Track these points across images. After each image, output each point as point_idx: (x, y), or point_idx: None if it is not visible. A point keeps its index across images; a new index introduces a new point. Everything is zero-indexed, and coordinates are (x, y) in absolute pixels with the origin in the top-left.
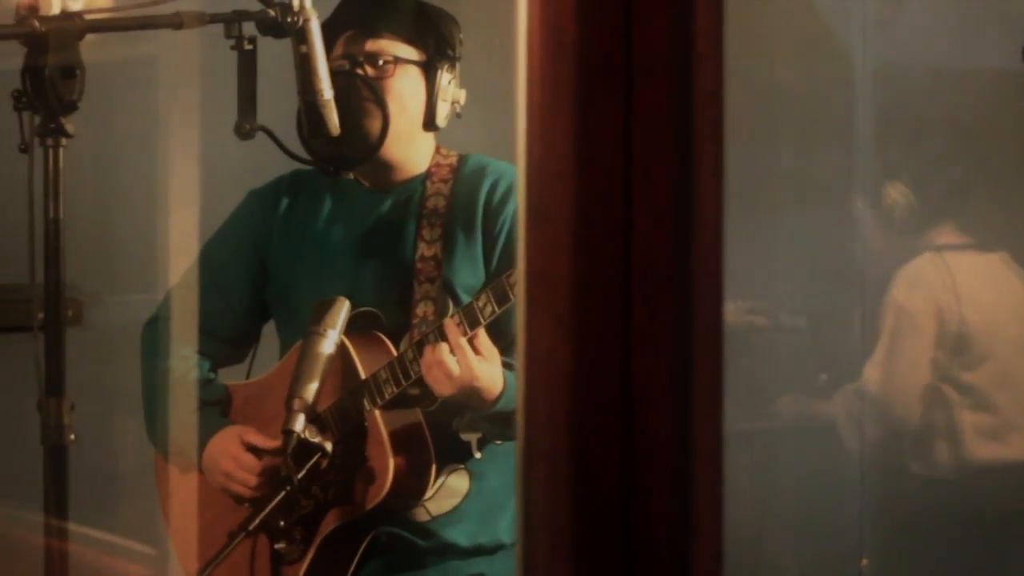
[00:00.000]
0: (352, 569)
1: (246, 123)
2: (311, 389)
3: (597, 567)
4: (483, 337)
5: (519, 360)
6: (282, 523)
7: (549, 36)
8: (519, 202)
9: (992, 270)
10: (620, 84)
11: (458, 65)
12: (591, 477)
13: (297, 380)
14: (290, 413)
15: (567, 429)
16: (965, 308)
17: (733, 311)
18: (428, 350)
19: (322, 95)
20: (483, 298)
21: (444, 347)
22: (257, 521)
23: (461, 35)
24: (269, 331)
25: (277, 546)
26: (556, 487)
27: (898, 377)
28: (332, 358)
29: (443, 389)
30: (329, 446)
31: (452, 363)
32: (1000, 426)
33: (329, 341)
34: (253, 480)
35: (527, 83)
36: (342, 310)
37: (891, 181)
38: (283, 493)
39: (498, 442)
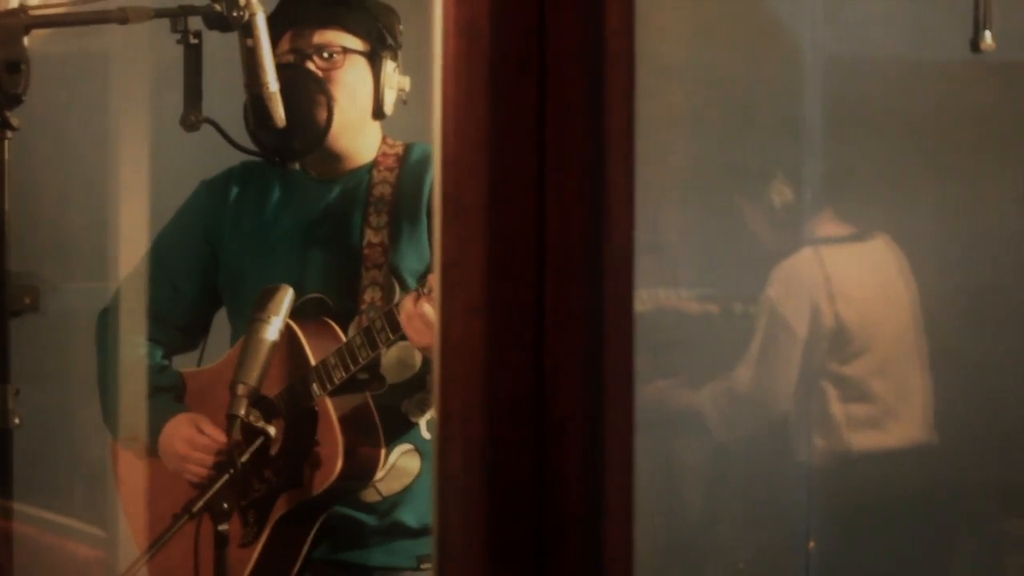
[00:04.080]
0: (305, 550)
1: (192, 115)
2: (255, 374)
3: (510, 548)
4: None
5: (435, 346)
6: (226, 505)
7: (464, 31)
8: (435, 194)
9: (874, 261)
10: (533, 78)
11: (400, 54)
12: (505, 460)
13: (241, 366)
14: (234, 398)
15: (482, 414)
16: (839, 305)
17: (685, 298)
18: (407, 302)
19: (268, 88)
20: (428, 283)
21: (423, 299)
22: (200, 503)
23: (401, 26)
24: (221, 319)
25: (221, 528)
26: (471, 470)
27: (766, 377)
28: (276, 344)
29: (424, 339)
30: (273, 431)
31: (431, 312)
32: (880, 414)
33: (273, 328)
34: (208, 462)
35: (442, 78)
36: (286, 297)
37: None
38: (226, 476)
39: None
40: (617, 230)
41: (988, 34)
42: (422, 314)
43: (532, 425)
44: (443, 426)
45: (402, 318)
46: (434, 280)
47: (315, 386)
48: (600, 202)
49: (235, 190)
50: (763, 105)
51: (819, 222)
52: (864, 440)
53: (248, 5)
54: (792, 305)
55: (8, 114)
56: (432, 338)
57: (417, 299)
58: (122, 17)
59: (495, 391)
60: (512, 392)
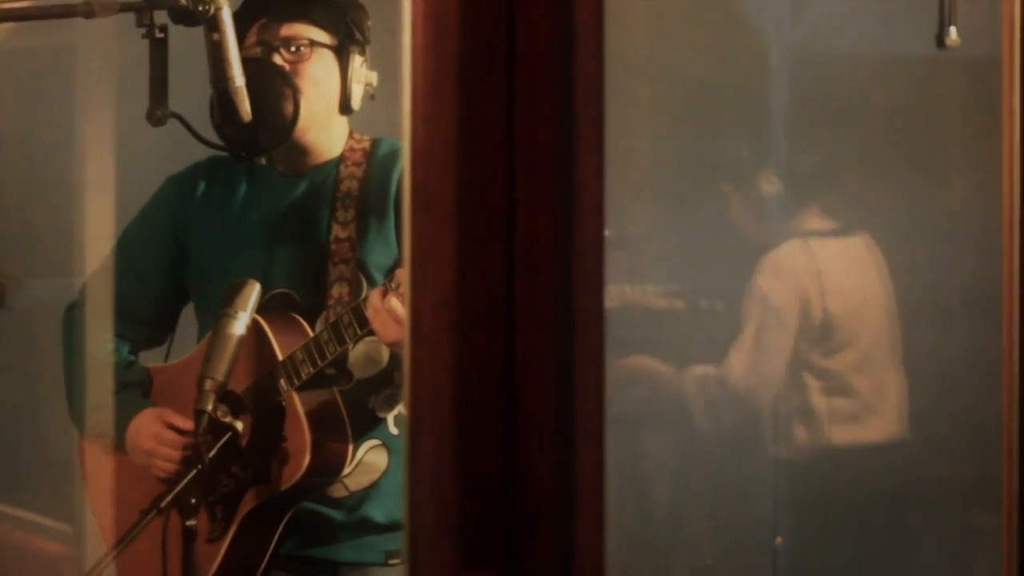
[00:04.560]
0: (272, 545)
1: (158, 110)
2: (222, 370)
3: (481, 542)
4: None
5: (405, 339)
6: (194, 500)
7: (432, 25)
8: (404, 187)
9: (854, 255)
10: (502, 73)
11: (368, 49)
12: (476, 454)
13: (208, 361)
14: (201, 393)
15: (452, 408)
16: (828, 298)
17: (651, 294)
18: (374, 297)
19: (233, 82)
20: (395, 278)
21: (390, 294)
22: (168, 499)
23: (369, 21)
24: (188, 314)
25: (189, 523)
26: (441, 465)
27: (760, 367)
28: (243, 339)
29: (391, 334)
30: (240, 426)
31: (399, 307)
32: (860, 409)
33: (240, 323)
34: (175, 458)
35: (411, 72)
36: (253, 292)
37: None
38: (194, 472)
39: None
40: (587, 223)
41: (953, 30)
42: (389, 309)
43: (503, 419)
44: (413, 420)
45: (369, 313)
46: (402, 275)
47: (282, 381)
48: (570, 195)
49: (202, 185)
50: (730, 101)
51: (788, 218)
52: (832, 436)
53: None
54: (782, 296)
55: None
56: (399, 333)
57: (384, 294)
58: (87, 11)
59: (465, 385)
60: (482, 386)
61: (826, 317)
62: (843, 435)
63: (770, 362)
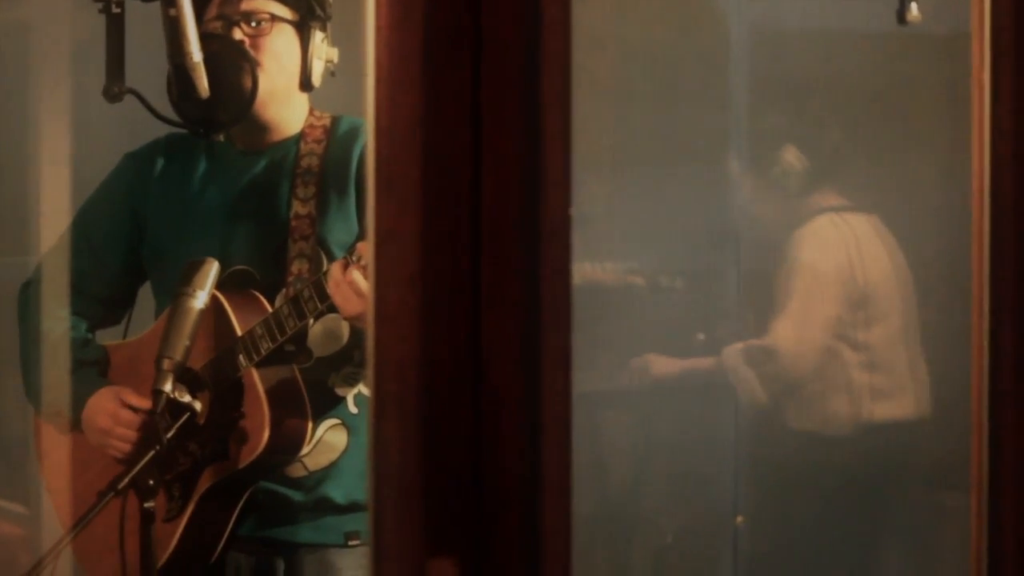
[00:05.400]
0: (230, 525)
1: (114, 86)
2: (181, 349)
3: (447, 523)
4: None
5: (369, 317)
6: (151, 482)
7: (396, 1)
8: (368, 164)
9: (875, 231)
10: (468, 48)
11: (329, 25)
12: (441, 434)
13: (166, 340)
14: (159, 373)
15: (417, 388)
16: (867, 267)
17: (611, 272)
18: (335, 269)
19: (191, 58)
20: (356, 251)
21: (352, 267)
22: (126, 480)
23: None
24: (145, 292)
25: (147, 504)
26: (405, 443)
27: (806, 335)
28: (201, 317)
29: (352, 307)
30: (199, 405)
31: (360, 279)
32: (890, 386)
33: (198, 301)
34: (131, 438)
35: (375, 47)
36: (211, 271)
37: (774, 147)
38: (152, 453)
39: None
40: (553, 199)
41: (914, 6)
42: (351, 281)
43: (468, 397)
44: (377, 398)
45: (330, 286)
46: (364, 248)
47: (241, 357)
48: (536, 172)
49: (160, 163)
50: (690, 77)
51: (822, 195)
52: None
53: None
54: (828, 266)
55: None
56: (361, 306)
57: (346, 267)
58: None
59: (430, 363)
60: (448, 364)
61: (867, 285)
62: (874, 410)
63: (815, 332)
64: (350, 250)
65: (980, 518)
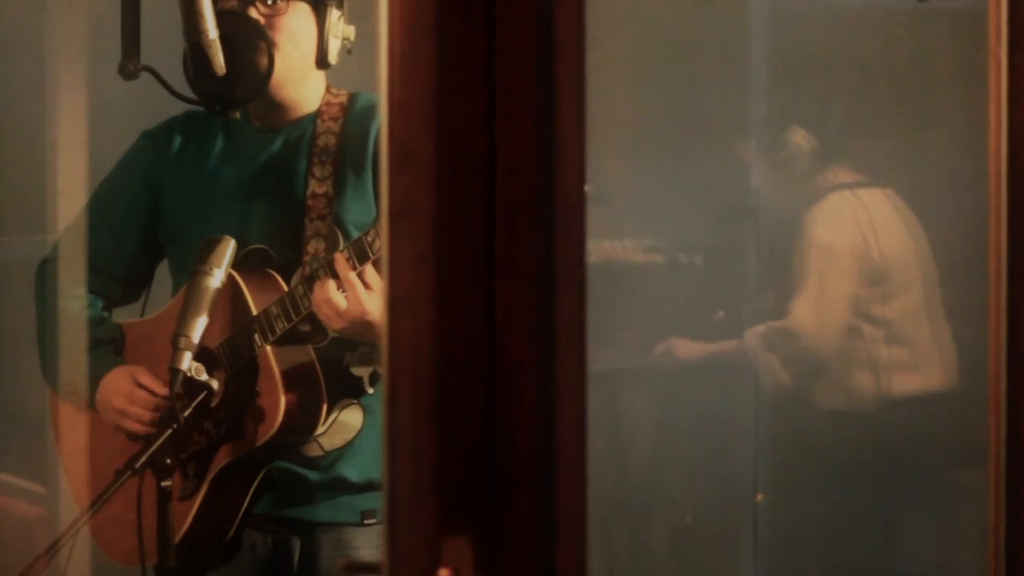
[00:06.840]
0: (245, 504)
1: (130, 63)
2: (197, 327)
3: (461, 499)
4: (372, 271)
5: (383, 296)
6: (168, 461)
7: None
8: (382, 142)
9: (892, 206)
10: (482, 25)
11: (345, 3)
12: (455, 412)
13: (183, 319)
14: (176, 351)
15: (431, 365)
16: (882, 242)
17: (630, 249)
18: (317, 287)
19: (207, 35)
20: (372, 233)
21: (332, 284)
22: (143, 459)
23: None
24: (163, 270)
25: (164, 484)
26: (420, 421)
27: (825, 314)
28: (218, 296)
29: (334, 324)
30: (216, 384)
31: (340, 299)
32: (913, 359)
33: (215, 279)
34: (146, 417)
35: (388, 24)
36: (228, 249)
37: (790, 125)
38: (168, 432)
39: None
40: (568, 177)
41: None
42: (329, 299)
43: (483, 375)
44: (392, 376)
45: (313, 303)
46: (382, 226)
47: (257, 336)
48: (551, 149)
49: (177, 140)
50: (709, 54)
51: (835, 171)
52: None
53: None
54: (842, 243)
55: None
56: (341, 324)
57: (338, 276)
58: None
59: (445, 341)
60: (462, 342)
61: (884, 260)
62: (897, 385)
63: (834, 311)
64: (355, 249)
65: (998, 492)
